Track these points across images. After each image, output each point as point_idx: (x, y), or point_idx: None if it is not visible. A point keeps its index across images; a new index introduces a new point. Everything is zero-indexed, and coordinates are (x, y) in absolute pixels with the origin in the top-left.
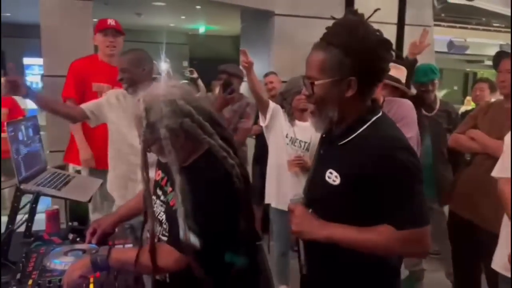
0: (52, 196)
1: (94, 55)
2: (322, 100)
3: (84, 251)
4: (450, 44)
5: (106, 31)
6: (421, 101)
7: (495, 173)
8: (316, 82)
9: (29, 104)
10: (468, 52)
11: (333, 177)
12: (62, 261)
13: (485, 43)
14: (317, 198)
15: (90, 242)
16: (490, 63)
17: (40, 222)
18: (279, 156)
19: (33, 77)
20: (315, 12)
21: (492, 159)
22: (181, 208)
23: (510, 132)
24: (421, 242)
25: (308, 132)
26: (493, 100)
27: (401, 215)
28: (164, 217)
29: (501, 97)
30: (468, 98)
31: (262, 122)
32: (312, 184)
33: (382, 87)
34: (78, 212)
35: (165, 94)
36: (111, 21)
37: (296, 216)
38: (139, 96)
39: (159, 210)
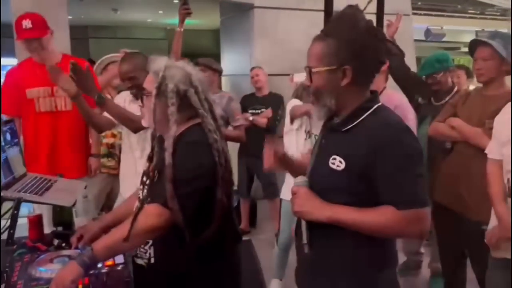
0: (35, 202)
1: (28, 59)
2: (319, 89)
3: (70, 257)
4: (427, 32)
5: (23, 41)
6: (420, 91)
7: (487, 151)
8: (313, 70)
9: None
10: (445, 39)
11: (337, 162)
12: (48, 269)
13: (461, 30)
14: (321, 183)
15: (77, 248)
16: (466, 49)
17: (20, 227)
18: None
19: None
20: (294, 4)
21: (472, 146)
22: (169, 169)
23: (499, 115)
24: (421, 222)
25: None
26: (471, 87)
27: (402, 196)
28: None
29: (480, 85)
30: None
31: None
32: (315, 170)
33: None
34: (62, 216)
35: (184, 66)
36: (26, 23)
37: (299, 197)
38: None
39: (143, 194)
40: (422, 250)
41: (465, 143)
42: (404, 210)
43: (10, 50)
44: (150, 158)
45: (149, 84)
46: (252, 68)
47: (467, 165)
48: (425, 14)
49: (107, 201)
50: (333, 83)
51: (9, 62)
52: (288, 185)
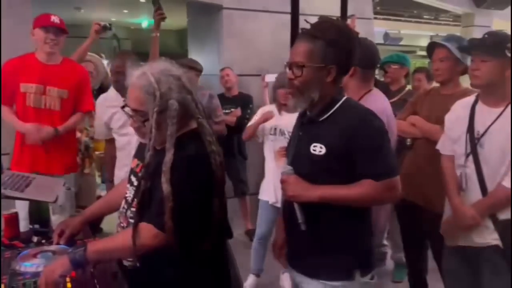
0: (17, 198)
1: (31, 54)
2: (307, 82)
3: (54, 252)
4: (386, 36)
5: (49, 28)
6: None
7: (439, 147)
8: (305, 65)
9: None
10: (402, 43)
11: (318, 148)
12: (33, 263)
13: (417, 35)
14: (305, 169)
15: (58, 243)
16: (422, 53)
17: None
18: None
19: None
20: (262, 6)
21: (432, 142)
22: (166, 185)
23: (449, 113)
24: (395, 188)
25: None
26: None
27: (377, 169)
28: (133, 200)
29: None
30: (409, 87)
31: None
32: (298, 158)
33: None
34: (39, 214)
35: (170, 70)
36: (54, 18)
37: (290, 183)
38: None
39: (131, 195)
40: (385, 242)
41: (424, 139)
42: (381, 180)
43: None
44: (144, 163)
45: (138, 102)
46: (222, 69)
47: (426, 160)
48: (383, 19)
49: (77, 201)
50: (318, 79)
51: None
52: (267, 186)
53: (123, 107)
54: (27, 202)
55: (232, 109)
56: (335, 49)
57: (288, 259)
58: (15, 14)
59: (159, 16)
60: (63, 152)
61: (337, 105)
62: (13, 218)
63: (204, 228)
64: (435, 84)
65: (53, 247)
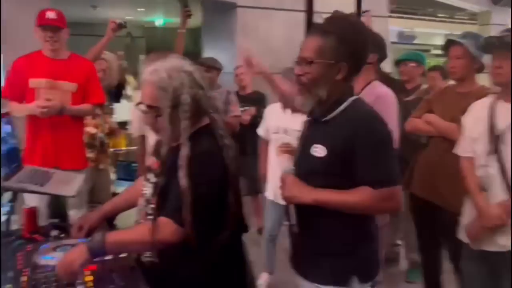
0: (36, 193)
1: (38, 51)
2: (315, 80)
3: (73, 246)
4: (400, 34)
5: (45, 26)
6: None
7: (457, 151)
8: (314, 61)
9: None
10: (416, 41)
11: (319, 150)
12: (53, 257)
13: (432, 33)
14: (305, 170)
15: (77, 238)
16: (436, 52)
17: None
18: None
19: None
20: (277, 4)
21: (447, 141)
22: (184, 179)
23: (467, 113)
24: (394, 199)
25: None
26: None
27: (377, 176)
28: (151, 197)
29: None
30: (425, 85)
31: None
32: (299, 158)
33: None
34: (56, 209)
35: (182, 65)
36: (50, 14)
37: (288, 183)
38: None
39: (148, 192)
40: (399, 242)
41: (440, 137)
42: (378, 189)
43: None
44: (160, 159)
45: (151, 98)
46: (237, 67)
47: (442, 159)
48: (398, 17)
49: (91, 196)
50: (328, 77)
51: None
52: (271, 184)
53: (138, 104)
54: (44, 197)
55: (246, 108)
56: (347, 46)
57: (289, 259)
58: (33, 11)
59: (186, 13)
60: (73, 147)
61: (344, 106)
62: (33, 212)
63: (219, 222)
64: (450, 83)
65: (72, 241)
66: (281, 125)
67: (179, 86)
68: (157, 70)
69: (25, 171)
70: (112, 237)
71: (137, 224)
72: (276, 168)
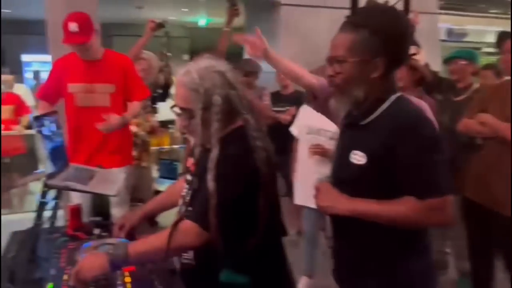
0: (80, 191)
1: (74, 52)
2: (349, 80)
3: (113, 245)
4: (449, 32)
5: (71, 45)
6: (438, 87)
7: None
8: (346, 59)
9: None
10: (467, 39)
11: (357, 157)
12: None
13: (483, 30)
14: (343, 178)
15: (118, 237)
16: (488, 50)
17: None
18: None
19: (31, 74)
20: (320, 1)
21: (503, 142)
22: (211, 182)
23: None
24: (444, 211)
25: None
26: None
27: (422, 185)
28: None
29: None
30: (477, 84)
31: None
32: (337, 166)
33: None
34: (101, 207)
35: (214, 65)
36: (72, 26)
37: (322, 192)
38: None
39: (186, 193)
40: (448, 249)
41: (495, 138)
42: (425, 200)
43: (39, 47)
44: (196, 163)
45: (183, 100)
46: None
47: (498, 161)
48: (447, 14)
49: (135, 194)
50: (363, 75)
51: (34, 58)
52: (300, 188)
53: (172, 106)
54: (88, 194)
55: (288, 107)
56: (382, 39)
57: (332, 271)
58: (80, 9)
59: (234, 12)
60: (116, 145)
61: (385, 106)
62: (78, 210)
63: (248, 227)
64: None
65: (113, 240)
66: (314, 125)
67: (210, 87)
68: (189, 71)
69: (70, 170)
70: (134, 248)
71: (160, 231)
72: (305, 170)
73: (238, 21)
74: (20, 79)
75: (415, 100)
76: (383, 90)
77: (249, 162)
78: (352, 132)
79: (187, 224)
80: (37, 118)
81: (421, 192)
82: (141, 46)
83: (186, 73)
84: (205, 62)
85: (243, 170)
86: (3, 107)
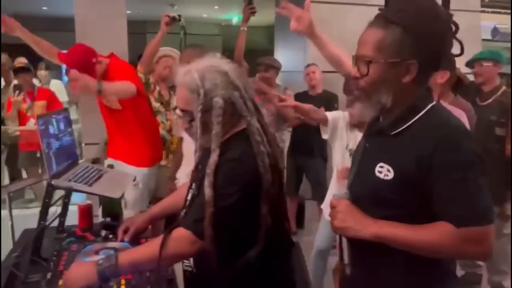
0: (83, 192)
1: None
2: (376, 83)
3: (116, 249)
4: (495, 31)
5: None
6: (464, 90)
7: None
8: (374, 60)
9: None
10: None
11: (384, 171)
12: (93, 260)
13: None
14: (365, 194)
15: (122, 240)
16: None
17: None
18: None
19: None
20: None
21: None
22: (208, 188)
23: None
24: (484, 242)
25: None
26: None
27: (462, 211)
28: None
29: None
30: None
31: (323, 133)
32: (358, 180)
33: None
34: (111, 207)
35: (217, 65)
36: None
37: (340, 211)
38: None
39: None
40: (481, 262)
41: None
42: (462, 228)
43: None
44: (196, 167)
45: (184, 102)
46: (308, 65)
47: None
48: (492, 12)
49: (156, 193)
50: (393, 78)
51: None
52: (327, 202)
53: (174, 108)
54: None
55: (315, 108)
56: (416, 38)
57: None
58: (109, 10)
59: (250, 11)
60: (147, 144)
61: (419, 115)
62: (87, 209)
63: (248, 237)
64: None
65: (115, 244)
66: (349, 145)
67: (211, 88)
68: (190, 71)
69: (77, 169)
70: (125, 257)
71: (151, 239)
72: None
73: (269, 19)
74: (57, 75)
75: (453, 110)
76: (415, 97)
77: (249, 168)
78: (378, 143)
79: (181, 231)
80: (41, 117)
81: (459, 218)
82: (157, 43)
83: (187, 73)
84: (207, 61)
85: (242, 178)
86: (36, 102)
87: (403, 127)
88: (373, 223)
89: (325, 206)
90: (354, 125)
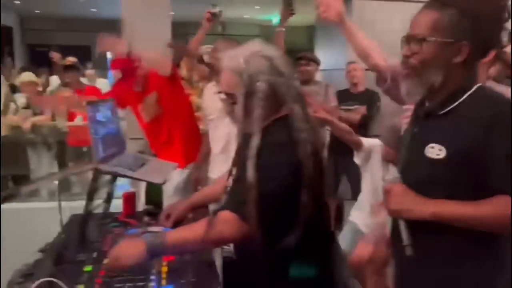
0: (127, 177)
1: None
2: (427, 61)
3: (157, 233)
4: None
5: None
6: None
7: None
8: (427, 38)
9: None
10: None
11: (436, 151)
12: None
13: None
14: (418, 176)
15: (163, 226)
16: None
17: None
18: (373, 197)
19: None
20: None
21: None
22: (251, 171)
23: None
24: None
25: None
26: None
27: None
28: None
29: None
30: None
31: (355, 157)
32: (409, 163)
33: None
34: (153, 196)
35: (263, 50)
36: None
37: (395, 194)
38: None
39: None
40: None
41: None
42: None
43: None
44: (237, 152)
45: (227, 85)
46: (349, 63)
47: None
48: None
49: None
50: (444, 58)
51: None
52: (358, 206)
53: (218, 92)
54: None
55: (357, 106)
56: (471, 21)
57: (394, 283)
58: (154, 11)
59: (289, 12)
60: (184, 148)
61: (467, 94)
62: (131, 197)
63: (287, 223)
64: None
65: (157, 229)
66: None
67: (255, 72)
68: (235, 55)
69: (123, 156)
70: (173, 236)
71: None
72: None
73: (309, 19)
74: (105, 74)
75: (499, 89)
76: (464, 78)
77: (291, 154)
78: (427, 123)
79: (226, 214)
80: (91, 104)
81: None
82: (199, 40)
83: (232, 57)
84: (253, 46)
85: (284, 162)
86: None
87: (452, 106)
88: (430, 203)
89: (357, 209)
90: (387, 160)
